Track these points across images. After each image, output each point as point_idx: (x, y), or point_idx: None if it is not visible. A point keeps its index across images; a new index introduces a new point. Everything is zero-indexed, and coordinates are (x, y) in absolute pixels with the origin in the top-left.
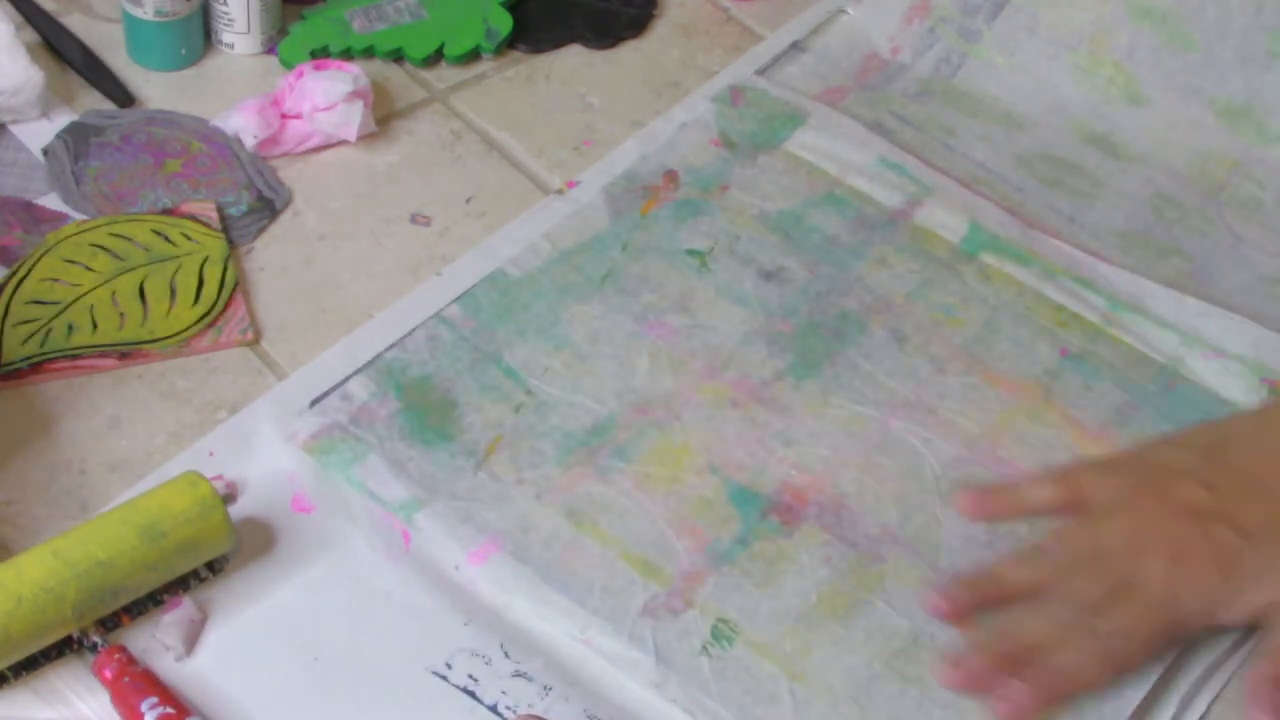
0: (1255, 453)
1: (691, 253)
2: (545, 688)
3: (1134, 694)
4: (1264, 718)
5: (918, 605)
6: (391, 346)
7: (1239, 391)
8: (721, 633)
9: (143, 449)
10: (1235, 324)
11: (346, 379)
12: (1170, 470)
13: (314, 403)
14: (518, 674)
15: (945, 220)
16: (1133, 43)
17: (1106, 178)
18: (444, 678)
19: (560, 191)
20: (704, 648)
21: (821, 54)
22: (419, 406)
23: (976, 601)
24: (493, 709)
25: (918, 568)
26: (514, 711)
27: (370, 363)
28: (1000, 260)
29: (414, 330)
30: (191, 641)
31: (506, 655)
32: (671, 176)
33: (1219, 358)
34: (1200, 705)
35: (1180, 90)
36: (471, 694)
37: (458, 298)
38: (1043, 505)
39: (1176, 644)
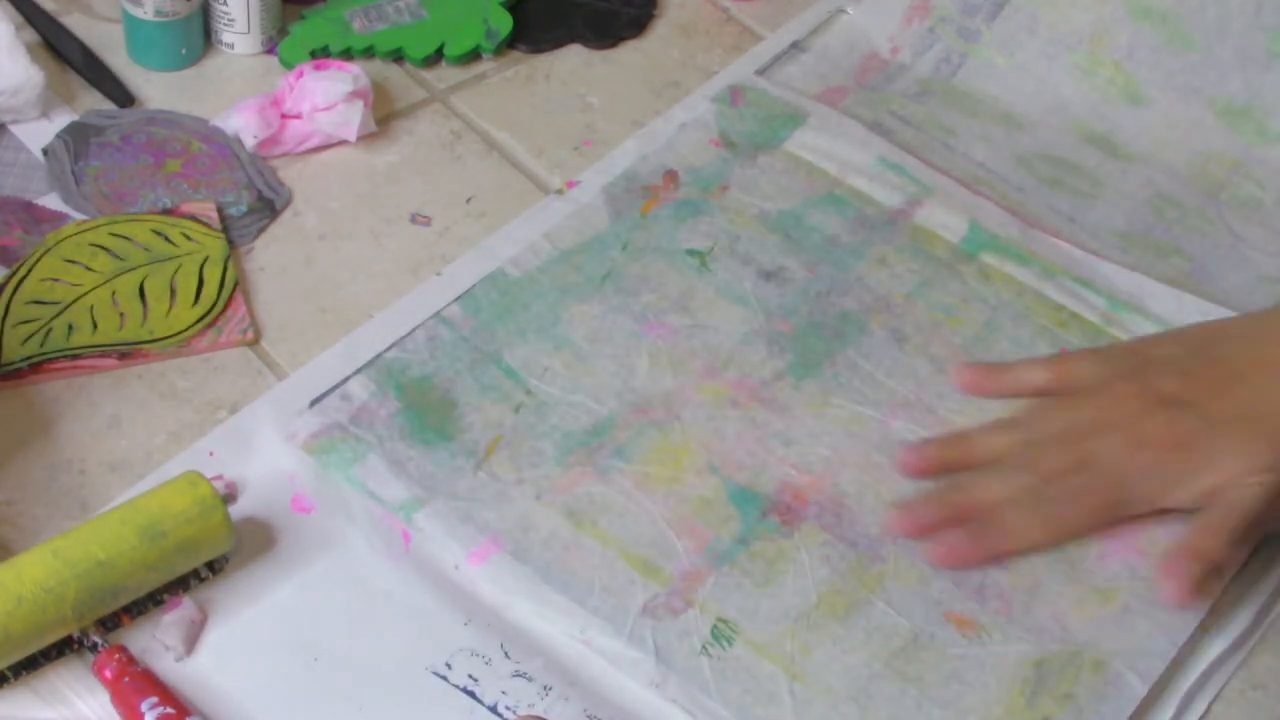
0: (1243, 348)
1: (691, 253)
2: (545, 688)
3: (1135, 690)
4: (1173, 583)
5: (918, 605)
6: (391, 346)
7: None
8: (721, 632)
9: (143, 449)
10: None
11: (346, 379)
12: (1155, 359)
13: (314, 403)
14: (518, 674)
15: (945, 220)
16: (1133, 43)
17: (1106, 177)
18: (444, 678)
19: (560, 191)
20: (704, 648)
21: (821, 54)
22: (419, 406)
23: (943, 460)
24: (492, 709)
25: (917, 567)
26: (514, 712)
27: (370, 363)
28: (1000, 260)
29: (414, 330)
30: (191, 641)
31: (506, 655)
32: (671, 176)
33: None
34: (1200, 705)
35: (1180, 90)
36: (471, 694)
37: (457, 298)
38: (1034, 386)
39: (1121, 521)
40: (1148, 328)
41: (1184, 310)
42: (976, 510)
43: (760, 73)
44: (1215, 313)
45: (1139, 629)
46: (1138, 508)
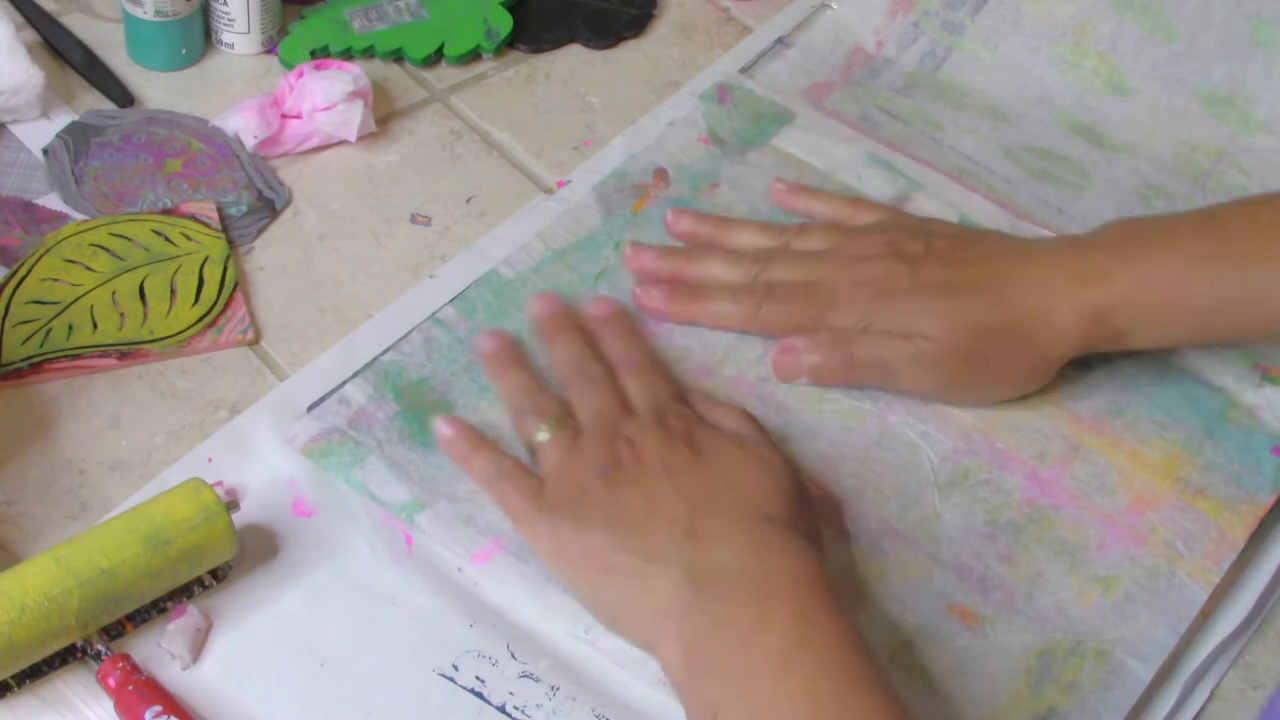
0: (992, 247)
1: None
2: (553, 688)
3: (1139, 678)
4: (781, 358)
5: (921, 598)
6: (388, 349)
7: (1231, 378)
8: None
9: (143, 449)
10: None
11: (344, 383)
12: (926, 230)
13: (311, 407)
14: (525, 674)
15: (935, 214)
16: (1115, 34)
17: (1093, 168)
18: (451, 679)
19: (550, 191)
20: None
21: (806, 49)
22: (417, 409)
23: (697, 230)
24: (501, 709)
25: (919, 560)
26: (522, 712)
27: (367, 366)
28: None
29: (409, 333)
30: (197, 649)
31: (513, 656)
32: (661, 174)
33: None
34: (1202, 693)
35: (1164, 80)
36: (480, 695)
37: (452, 299)
38: (828, 215)
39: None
40: None
41: None
42: (693, 281)
43: (745, 70)
44: None
45: (1141, 618)
46: (826, 331)
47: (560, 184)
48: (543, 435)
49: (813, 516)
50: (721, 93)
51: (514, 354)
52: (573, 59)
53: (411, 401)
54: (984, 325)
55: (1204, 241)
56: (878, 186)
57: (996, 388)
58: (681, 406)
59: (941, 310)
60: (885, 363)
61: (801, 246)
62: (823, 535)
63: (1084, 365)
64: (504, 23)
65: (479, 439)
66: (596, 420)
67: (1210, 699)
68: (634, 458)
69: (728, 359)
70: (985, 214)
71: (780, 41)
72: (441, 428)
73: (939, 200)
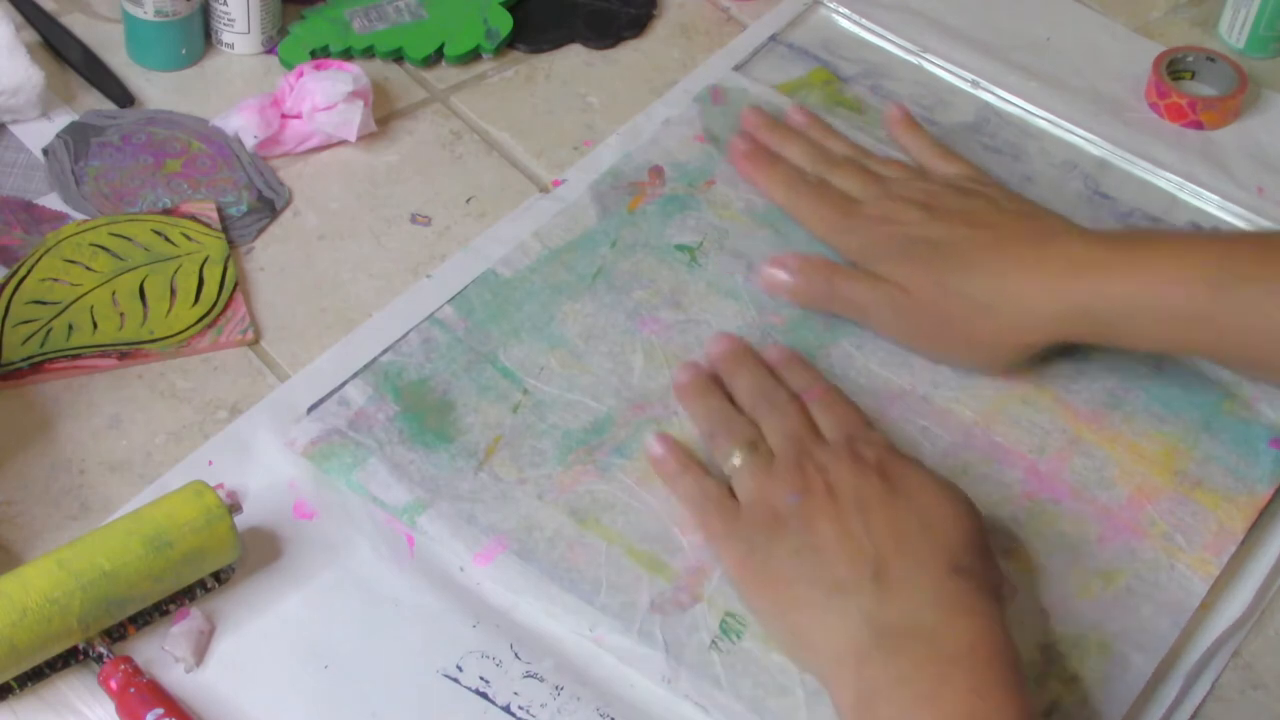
0: (1008, 222)
1: (680, 248)
2: (557, 688)
3: (1142, 671)
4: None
5: None
6: (386, 350)
7: (1228, 371)
8: (730, 626)
9: (143, 449)
10: None
11: (343, 384)
12: (981, 193)
13: (311, 409)
14: (529, 674)
15: None
16: None
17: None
18: (455, 680)
19: (545, 190)
20: (713, 642)
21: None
22: (417, 409)
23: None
24: (506, 709)
25: None
26: (527, 712)
27: (366, 367)
28: None
29: (408, 334)
30: (201, 652)
31: (517, 656)
32: (657, 172)
33: None
34: (1205, 683)
35: None
36: (484, 695)
37: (450, 299)
38: (913, 152)
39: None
40: None
41: None
42: (774, 151)
43: (739, 68)
44: None
45: (1142, 610)
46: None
47: (556, 183)
48: (736, 460)
49: (994, 561)
50: (715, 94)
51: (707, 382)
52: (573, 59)
53: (411, 402)
54: (954, 290)
55: (1211, 253)
56: None
57: (958, 353)
58: (871, 433)
59: (921, 265)
60: (859, 302)
61: (874, 169)
62: (1003, 579)
63: (1081, 358)
64: (504, 23)
65: (688, 460)
66: (786, 444)
67: (1211, 698)
68: (825, 487)
69: None
70: None
71: (773, 39)
72: (653, 446)
73: None
